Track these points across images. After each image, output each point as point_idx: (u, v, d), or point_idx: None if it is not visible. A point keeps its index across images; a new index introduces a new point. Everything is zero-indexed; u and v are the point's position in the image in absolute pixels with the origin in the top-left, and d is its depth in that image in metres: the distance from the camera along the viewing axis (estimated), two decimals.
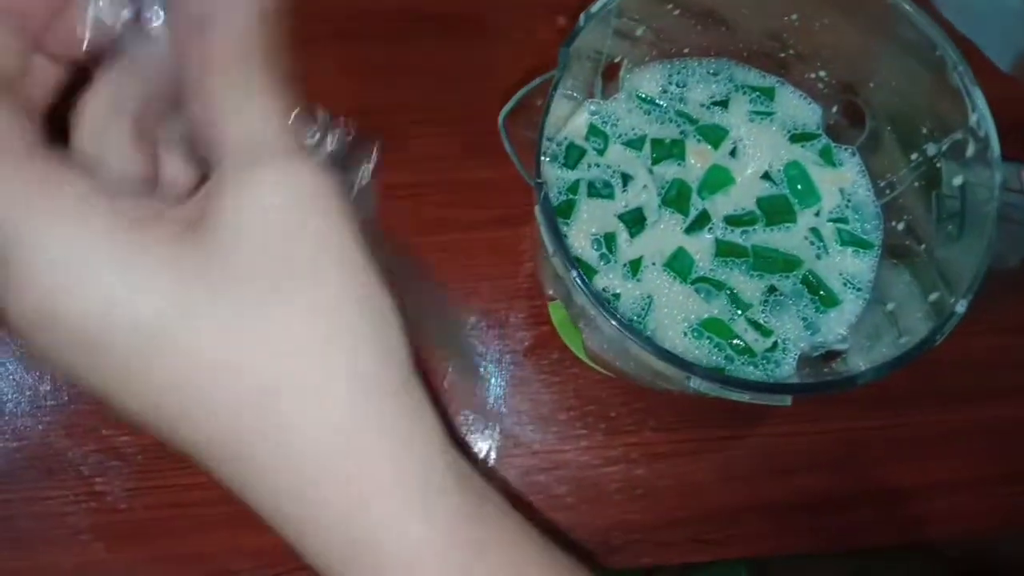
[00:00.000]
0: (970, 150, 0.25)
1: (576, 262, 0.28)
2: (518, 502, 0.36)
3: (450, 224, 0.40)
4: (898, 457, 0.38)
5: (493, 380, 0.38)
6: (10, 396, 0.37)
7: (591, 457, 0.37)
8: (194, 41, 0.17)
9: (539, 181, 0.24)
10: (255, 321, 0.16)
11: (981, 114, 0.25)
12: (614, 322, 0.22)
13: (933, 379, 0.38)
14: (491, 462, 0.37)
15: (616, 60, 0.30)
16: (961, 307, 0.23)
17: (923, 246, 0.28)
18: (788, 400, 0.22)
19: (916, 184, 0.28)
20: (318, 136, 0.21)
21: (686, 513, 0.37)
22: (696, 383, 0.22)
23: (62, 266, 0.15)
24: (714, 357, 0.28)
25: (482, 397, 0.29)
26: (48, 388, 0.37)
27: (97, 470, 0.36)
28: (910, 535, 0.38)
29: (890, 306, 0.28)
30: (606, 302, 0.28)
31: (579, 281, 0.23)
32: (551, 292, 0.30)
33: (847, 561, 0.55)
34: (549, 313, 0.38)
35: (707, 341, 0.28)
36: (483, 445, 0.37)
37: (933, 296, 0.25)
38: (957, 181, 0.26)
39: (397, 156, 0.41)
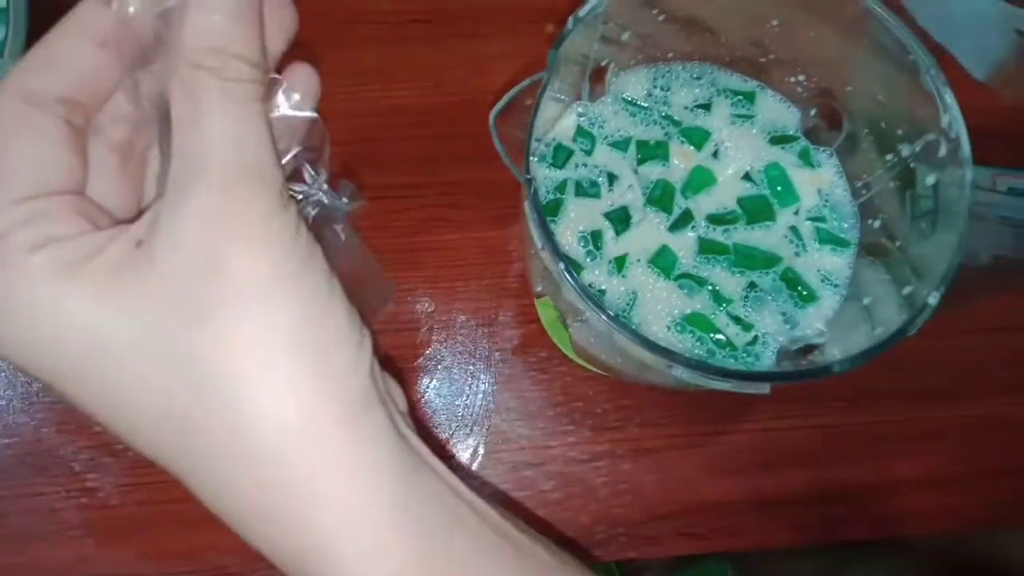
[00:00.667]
0: (942, 150, 0.26)
1: (564, 257, 0.29)
2: (506, 497, 0.37)
3: (441, 224, 0.40)
4: (879, 453, 0.39)
5: (482, 377, 0.38)
6: (2, 393, 0.37)
7: (578, 453, 0.38)
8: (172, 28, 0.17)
9: (528, 177, 0.25)
10: (178, 347, 0.17)
11: (952, 115, 0.26)
12: (600, 313, 0.23)
13: (911, 377, 0.39)
14: (480, 457, 0.37)
15: (603, 64, 0.31)
16: (933, 299, 0.24)
17: (898, 243, 0.29)
18: (767, 388, 0.23)
19: (891, 184, 0.29)
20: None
21: (671, 507, 0.37)
22: (679, 372, 0.23)
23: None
24: (696, 351, 0.29)
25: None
26: (40, 385, 0.37)
27: (89, 466, 0.36)
28: (889, 529, 0.38)
29: (866, 300, 0.28)
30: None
31: (567, 274, 0.24)
32: (539, 289, 0.31)
33: (828, 555, 0.56)
34: (537, 311, 0.39)
35: (690, 335, 0.29)
36: (472, 441, 0.38)
37: (907, 290, 0.26)
38: (930, 181, 0.27)
39: (392, 157, 0.41)
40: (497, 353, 0.39)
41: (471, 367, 0.39)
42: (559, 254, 0.24)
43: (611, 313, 0.23)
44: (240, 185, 0.17)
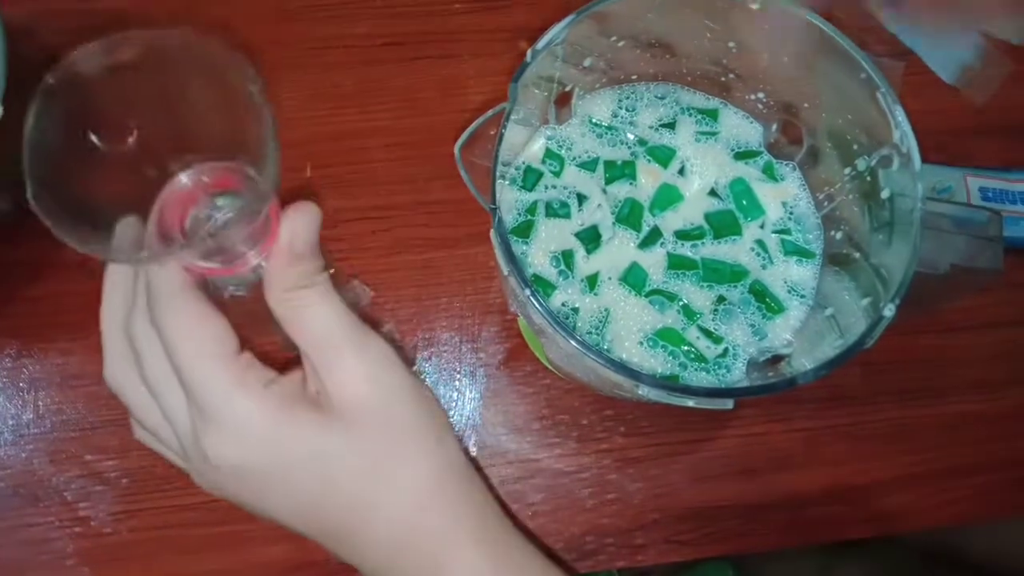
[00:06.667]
0: (895, 164, 0.27)
1: (533, 280, 0.30)
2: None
3: (422, 243, 0.41)
4: (860, 454, 0.39)
5: (468, 392, 0.39)
6: None
7: (564, 464, 0.38)
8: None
9: (493, 207, 0.26)
10: (379, 472, 0.26)
11: (903, 131, 0.26)
12: (566, 336, 0.24)
13: (884, 379, 0.40)
14: None
15: (568, 88, 0.32)
16: (889, 311, 0.25)
17: (860, 254, 0.30)
18: (730, 404, 0.23)
19: (852, 196, 0.30)
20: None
21: (657, 515, 0.38)
22: (644, 391, 0.24)
23: (246, 426, 0.25)
24: (668, 365, 0.30)
25: None
26: (31, 417, 0.37)
27: (81, 495, 0.36)
28: (877, 527, 0.39)
29: (829, 311, 0.29)
30: (562, 317, 0.30)
31: (533, 299, 0.24)
32: (513, 309, 0.31)
33: (825, 552, 0.56)
34: (519, 326, 0.39)
35: (662, 350, 0.30)
36: None
37: (866, 300, 0.27)
38: (885, 194, 0.28)
39: (369, 179, 0.42)
40: (482, 368, 0.39)
41: (457, 383, 0.39)
42: (526, 280, 0.24)
43: (577, 336, 0.24)
44: (367, 342, 0.26)
